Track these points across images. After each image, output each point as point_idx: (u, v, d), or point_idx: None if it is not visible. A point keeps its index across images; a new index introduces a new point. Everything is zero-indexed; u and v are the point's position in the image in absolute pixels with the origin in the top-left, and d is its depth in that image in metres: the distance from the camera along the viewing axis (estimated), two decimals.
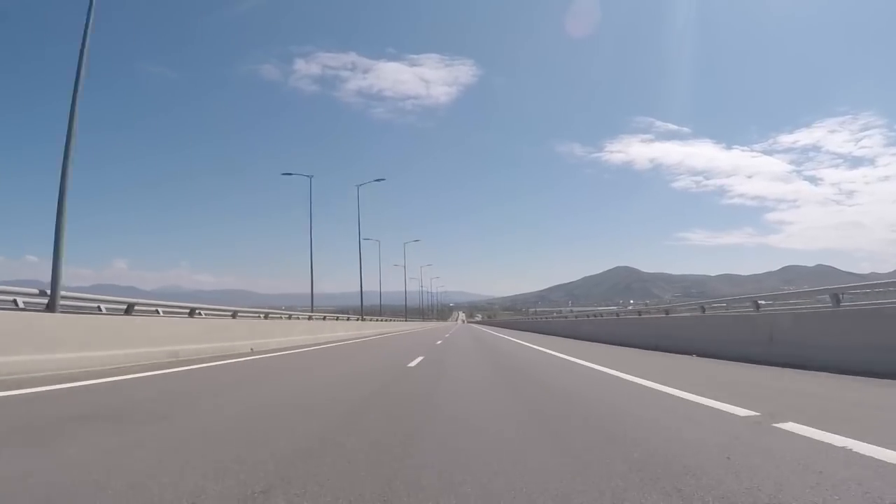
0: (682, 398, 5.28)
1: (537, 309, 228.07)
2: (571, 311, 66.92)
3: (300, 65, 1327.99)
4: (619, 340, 17.39)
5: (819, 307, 11.33)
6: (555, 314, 63.70)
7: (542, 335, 29.91)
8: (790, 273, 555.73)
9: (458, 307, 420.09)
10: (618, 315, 26.01)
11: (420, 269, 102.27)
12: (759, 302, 11.83)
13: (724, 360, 9.74)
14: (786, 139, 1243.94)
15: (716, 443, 3.33)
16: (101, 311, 11.56)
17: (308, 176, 32.66)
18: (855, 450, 3.02)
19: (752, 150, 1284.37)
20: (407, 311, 75.05)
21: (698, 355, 10.78)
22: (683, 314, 16.40)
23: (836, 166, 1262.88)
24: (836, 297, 9.32)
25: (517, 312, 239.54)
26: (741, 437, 3.48)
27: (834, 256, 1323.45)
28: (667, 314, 17.28)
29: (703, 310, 14.40)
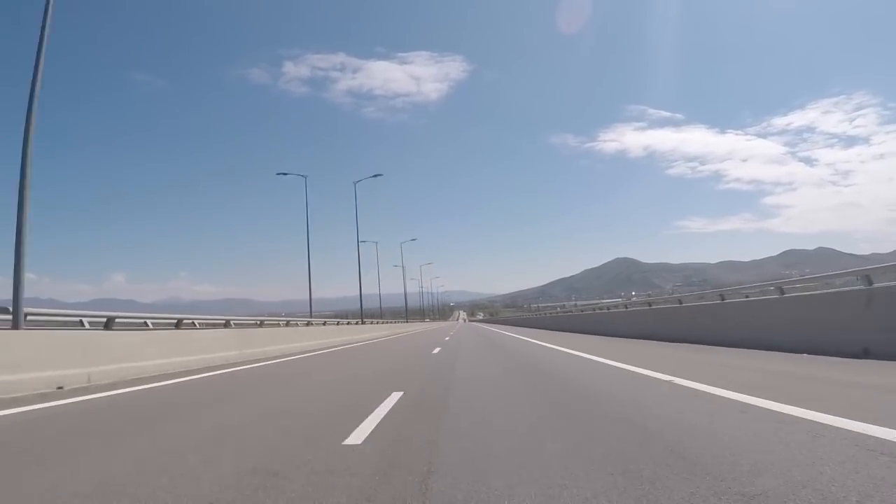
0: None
1: (540, 305, 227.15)
2: (575, 305, 66.05)
3: (289, 67, 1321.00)
4: (633, 333, 16.92)
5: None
6: (558, 309, 62.85)
7: (550, 332, 29.08)
8: (791, 257, 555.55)
9: (458, 306, 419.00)
10: (608, 309, 25.31)
11: (420, 269, 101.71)
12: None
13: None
14: (779, 121, 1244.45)
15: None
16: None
17: (303, 176, 32.33)
18: None
19: (746, 134, 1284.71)
20: (398, 313, 73.20)
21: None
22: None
23: (831, 146, 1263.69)
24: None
25: (519, 309, 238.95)
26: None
27: (833, 238, 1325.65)
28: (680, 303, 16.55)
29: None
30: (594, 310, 31.16)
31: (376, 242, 54.62)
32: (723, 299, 12.32)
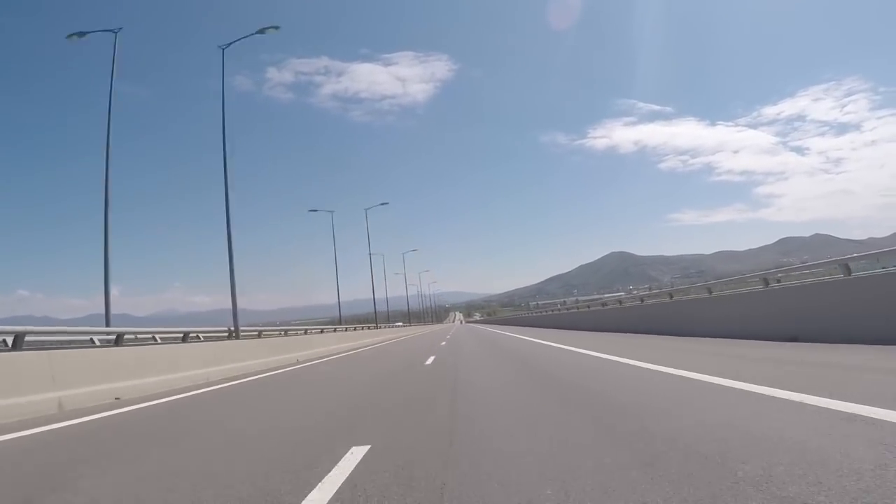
0: None
1: (539, 302, 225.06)
2: (577, 301, 63.76)
3: (272, 73, 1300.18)
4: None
5: None
6: (559, 306, 60.48)
7: (564, 331, 26.74)
8: (787, 245, 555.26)
9: (454, 307, 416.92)
10: (620, 303, 23.04)
11: (419, 276, 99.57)
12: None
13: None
14: (770, 111, 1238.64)
15: None
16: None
17: (112, 31, 23.71)
18: None
19: (736, 125, 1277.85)
20: (379, 317, 68.36)
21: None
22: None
23: (823, 134, 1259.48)
24: None
25: (517, 308, 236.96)
26: None
27: (825, 225, 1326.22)
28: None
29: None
30: (602, 305, 28.98)
31: (382, 255, 54.22)
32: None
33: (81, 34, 20.03)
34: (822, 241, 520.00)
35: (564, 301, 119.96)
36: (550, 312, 46.41)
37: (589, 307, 32.93)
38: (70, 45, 19.74)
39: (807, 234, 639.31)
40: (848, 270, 9.29)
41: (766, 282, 12.51)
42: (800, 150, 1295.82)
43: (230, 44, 22.70)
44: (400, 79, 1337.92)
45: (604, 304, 29.20)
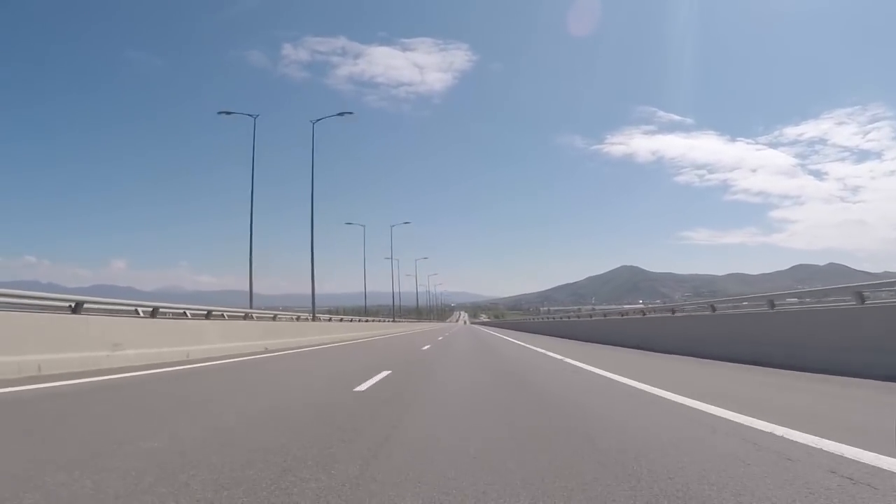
0: None
1: (550, 308, 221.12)
2: (594, 310, 60.22)
3: (288, 50, 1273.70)
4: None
5: None
6: (571, 314, 57.06)
7: (593, 345, 23.44)
8: (802, 272, 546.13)
9: (460, 307, 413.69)
10: (644, 314, 19.45)
11: (427, 279, 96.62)
12: None
13: None
14: (792, 131, 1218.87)
15: None
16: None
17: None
18: None
19: (756, 143, 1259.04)
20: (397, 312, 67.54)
21: None
22: None
23: (843, 160, 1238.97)
24: None
25: (525, 313, 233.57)
26: None
27: (838, 255, 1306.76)
28: None
29: None
30: (620, 315, 25.64)
31: (398, 259, 55.50)
32: None
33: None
34: (836, 271, 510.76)
35: (579, 309, 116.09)
36: (566, 319, 43.05)
37: (605, 316, 29.49)
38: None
39: (819, 262, 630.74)
40: None
41: (861, 297, 9.23)
42: (818, 175, 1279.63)
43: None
44: (418, 66, 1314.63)
45: (622, 314, 25.91)
